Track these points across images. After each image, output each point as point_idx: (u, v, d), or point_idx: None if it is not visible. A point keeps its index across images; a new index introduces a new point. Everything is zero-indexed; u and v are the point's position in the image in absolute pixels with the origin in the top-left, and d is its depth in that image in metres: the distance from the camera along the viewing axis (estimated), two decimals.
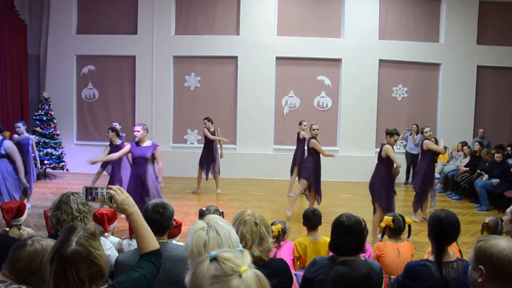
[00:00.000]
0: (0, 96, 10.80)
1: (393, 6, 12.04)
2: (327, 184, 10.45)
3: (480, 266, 1.87)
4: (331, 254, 2.98)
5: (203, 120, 9.69)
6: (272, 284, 1.25)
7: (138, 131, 6.13)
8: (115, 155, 6.52)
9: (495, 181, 8.69)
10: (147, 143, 6.20)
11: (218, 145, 9.76)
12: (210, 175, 9.74)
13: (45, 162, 10.93)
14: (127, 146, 6.28)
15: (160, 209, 2.75)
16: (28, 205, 3.82)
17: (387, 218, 3.90)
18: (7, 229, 3.65)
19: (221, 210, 3.75)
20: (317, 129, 7.86)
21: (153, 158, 6.20)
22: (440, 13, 12.07)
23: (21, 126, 8.03)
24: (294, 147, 9.57)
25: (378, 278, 2.48)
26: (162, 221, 2.73)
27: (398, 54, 11.95)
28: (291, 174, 9.52)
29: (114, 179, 7.57)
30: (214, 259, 1.24)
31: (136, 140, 6.18)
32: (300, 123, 9.33)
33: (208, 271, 1.22)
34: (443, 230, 2.70)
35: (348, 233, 2.69)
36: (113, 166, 7.80)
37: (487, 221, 3.93)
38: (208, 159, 9.62)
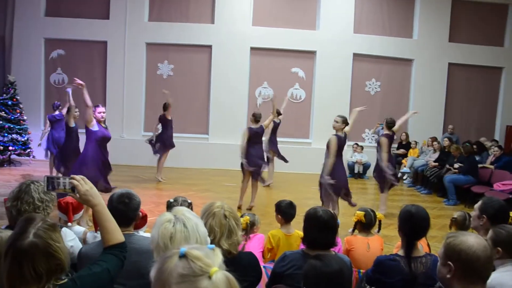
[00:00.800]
0: None
1: (368, 1, 12.10)
2: (299, 177, 10.53)
3: (449, 262, 1.88)
4: (301, 247, 2.96)
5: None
6: (241, 278, 1.19)
7: (104, 112, 6.11)
8: (88, 102, 5.97)
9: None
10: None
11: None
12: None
13: (10, 148, 10.56)
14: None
15: (125, 199, 2.66)
16: None
17: (359, 213, 3.91)
18: None
19: (189, 201, 3.67)
20: None
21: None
22: (414, 10, 12.21)
23: None
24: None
25: (349, 275, 2.48)
26: (127, 212, 2.64)
27: (372, 49, 12.04)
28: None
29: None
30: (183, 256, 1.16)
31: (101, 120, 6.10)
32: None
33: (176, 268, 1.14)
34: (414, 225, 2.71)
35: (325, 228, 2.68)
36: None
37: (455, 216, 4.00)
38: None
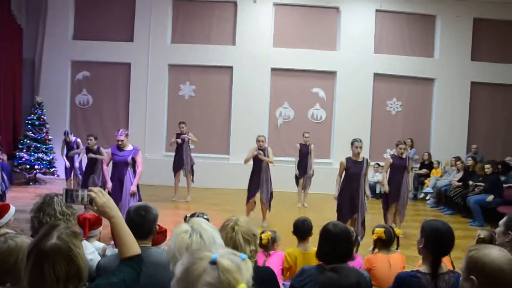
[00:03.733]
0: None
1: (388, 21, 12.13)
2: (321, 196, 10.40)
3: (472, 277, 1.82)
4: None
5: (180, 124, 9.76)
6: None
7: (122, 140, 6.29)
8: (105, 160, 6.90)
9: (490, 198, 8.66)
10: (128, 147, 6.37)
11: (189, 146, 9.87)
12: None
13: (36, 167, 10.83)
14: (109, 150, 6.45)
15: (142, 211, 2.68)
16: (12, 208, 3.72)
17: (378, 230, 3.84)
18: None
19: (206, 216, 3.64)
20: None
21: (134, 162, 6.35)
22: (435, 29, 12.17)
23: None
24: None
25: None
26: (143, 224, 2.65)
27: (393, 68, 12.01)
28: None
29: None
30: (214, 263, 1.15)
31: (119, 143, 6.27)
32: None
33: (204, 274, 1.14)
34: (442, 240, 2.61)
35: (336, 241, 2.63)
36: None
37: (482, 235, 3.86)
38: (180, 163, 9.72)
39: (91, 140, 8.45)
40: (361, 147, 6.27)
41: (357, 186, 6.19)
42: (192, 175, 9.77)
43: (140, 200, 6.40)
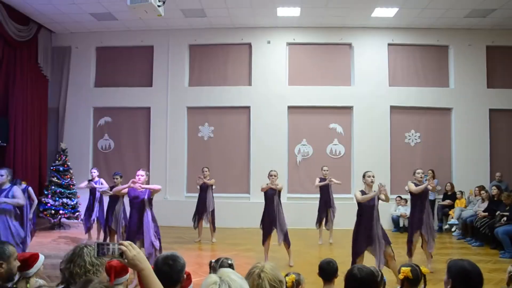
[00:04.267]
0: (20, 147, 11.12)
1: (401, 53, 12.28)
2: (346, 232, 10.26)
3: None
4: None
5: (204, 169, 9.94)
6: None
7: (142, 176, 6.42)
8: (115, 190, 7.17)
9: None
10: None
11: (212, 192, 9.98)
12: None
13: (60, 212, 11.02)
14: (126, 187, 6.50)
15: (170, 261, 2.73)
16: (41, 257, 3.81)
17: (405, 269, 3.78)
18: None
19: (230, 262, 3.65)
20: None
21: (151, 202, 6.45)
22: (449, 59, 12.25)
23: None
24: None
25: None
26: (172, 273, 2.69)
27: (409, 100, 12.06)
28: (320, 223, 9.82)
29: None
30: None
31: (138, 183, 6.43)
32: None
33: None
34: (471, 282, 2.57)
35: (361, 286, 2.62)
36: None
37: None
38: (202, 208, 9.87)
39: (117, 179, 8.63)
40: (373, 176, 6.31)
41: (371, 219, 6.19)
42: (213, 218, 9.84)
43: (159, 239, 6.46)
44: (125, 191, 6.52)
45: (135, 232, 6.33)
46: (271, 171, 7.83)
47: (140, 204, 6.38)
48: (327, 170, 9.83)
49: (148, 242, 6.26)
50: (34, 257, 3.76)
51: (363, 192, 6.29)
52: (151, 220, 6.38)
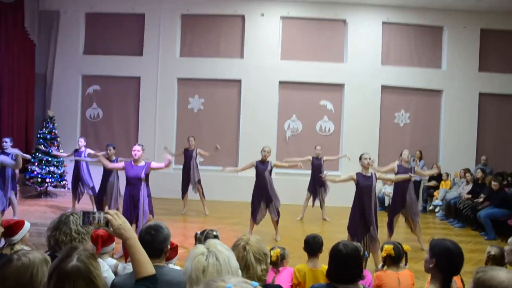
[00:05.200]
0: (6, 114, 10.94)
1: (395, 33, 12.20)
2: (332, 210, 10.40)
3: None
4: None
5: (189, 138, 9.98)
6: None
7: (138, 151, 6.37)
8: (109, 165, 7.07)
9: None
10: (141, 163, 6.40)
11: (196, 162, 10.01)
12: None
13: (47, 180, 10.94)
14: (121, 163, 6.51)
15: (152, 231, 2.69)
16: (27, 224, 3.80)
17: (387, 247, 3.86)
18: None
19: (215, 233, 3.63)
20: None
21: (147, 178, 6.41)
22: (442, 40, 12.20)
23: (7, 142, 8.08)
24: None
25: None
26: (154, 243, 2.66)
27: (400, 80, 12.04)
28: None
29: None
30: None
31: (135, 158, 6.30)
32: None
33: None
34: (453, 261, 2.61)
35: (346, 261, 2.64)
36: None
37: (492, 252, 3.83)
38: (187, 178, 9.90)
39: (110, 150, 8.54)
40: (370, 158, 6.32)
41: (369, 200, 6.21)
42: (201, 187, 9.85)
43: (151, 211, 6.46)
44: (119, 166, 6.54)
45: (130, 208, 6.30)
46: (265, 147, 7.80)
47: (137, 181, 6.33)
48: (320, 150, 9.80)
49: (142, 217, 6.26)
50: (19, 224, 3.75)
51: (359, 175, 6.25)
52: (146, 195, 6.37)
